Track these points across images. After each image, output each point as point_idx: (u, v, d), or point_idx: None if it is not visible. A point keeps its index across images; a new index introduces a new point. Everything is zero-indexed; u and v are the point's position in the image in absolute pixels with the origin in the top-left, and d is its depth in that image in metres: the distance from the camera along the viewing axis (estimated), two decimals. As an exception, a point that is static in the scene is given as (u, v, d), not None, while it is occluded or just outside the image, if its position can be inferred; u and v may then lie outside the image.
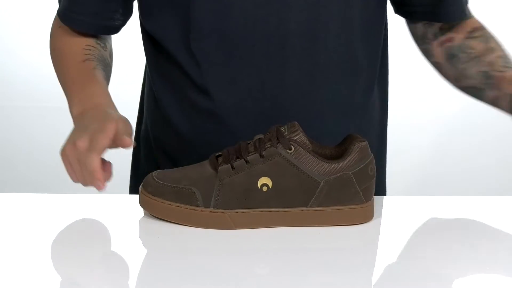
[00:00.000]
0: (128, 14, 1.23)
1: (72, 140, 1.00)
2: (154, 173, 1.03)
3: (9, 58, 2.72)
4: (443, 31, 1.24)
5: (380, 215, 1.06)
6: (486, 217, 1.08)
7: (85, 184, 1.00)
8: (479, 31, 1.23)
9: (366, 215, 1.03)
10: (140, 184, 1.03)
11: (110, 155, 1.01)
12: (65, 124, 3.05)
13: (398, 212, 1.10)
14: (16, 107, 2.73)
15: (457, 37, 1.23)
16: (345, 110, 1.20)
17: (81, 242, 0.95)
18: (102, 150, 0.98)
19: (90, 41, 1.22)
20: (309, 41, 1.15)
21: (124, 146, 0.99)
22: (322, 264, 0.90)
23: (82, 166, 0.98)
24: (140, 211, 1.04)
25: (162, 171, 1.03)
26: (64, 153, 1.01)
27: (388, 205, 1.11)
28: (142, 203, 1.02)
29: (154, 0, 1.17)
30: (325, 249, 0.95)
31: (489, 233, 1.02)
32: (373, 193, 1.04)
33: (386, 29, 1.26)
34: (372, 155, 1.02)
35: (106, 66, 1.20)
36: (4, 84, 2.73)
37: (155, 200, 1.01)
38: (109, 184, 0.99)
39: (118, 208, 1.08)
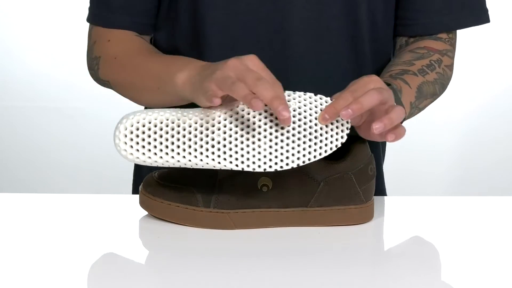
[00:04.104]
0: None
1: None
2: (154, 173, 1.03)
3: (8, 59, 2.72)
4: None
5: (380, 215, 1.06)
6: (486, 217, 1.08)
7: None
8: (427, 52, 1.17)
9: (366, 215, 1.03)
10: (141, 184, 1.03)
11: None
12: (65, 125, 3.04)
13: (398, 212, 1.10)
14: (16, 107, 2.73)
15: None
16: None
17: (81, 242, 0.95)
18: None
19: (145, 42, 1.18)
20: (313, 39, 1.15)
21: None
22: (322, 264, 0.90)
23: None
24: (140, 211, 1.03)
25: (162, 171, 1.03)
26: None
27: (388, 205, 1.11)
28: (142, 203, 1.02)
29: None
30: (325, 249, 0.95)
31: (489, 233, 1.02)
32: (373, 193, 1.04)
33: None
34: (372, 155, 1.02)
35: None
36: (4, 84, 2.73)
37: (155, 200, 1.01)
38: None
39: (118, 208, 1.08)
